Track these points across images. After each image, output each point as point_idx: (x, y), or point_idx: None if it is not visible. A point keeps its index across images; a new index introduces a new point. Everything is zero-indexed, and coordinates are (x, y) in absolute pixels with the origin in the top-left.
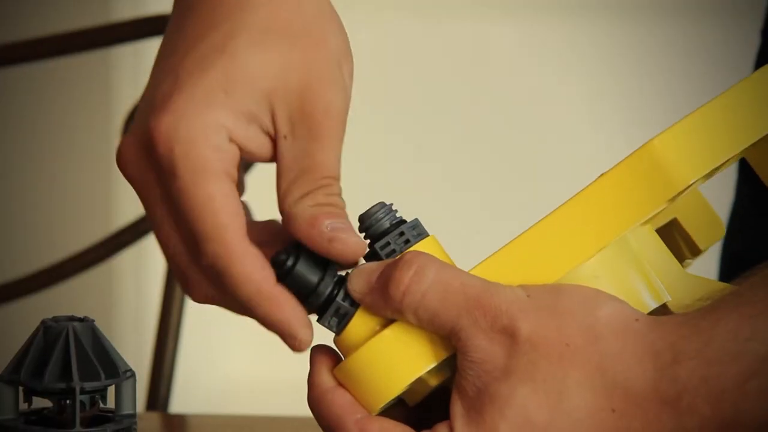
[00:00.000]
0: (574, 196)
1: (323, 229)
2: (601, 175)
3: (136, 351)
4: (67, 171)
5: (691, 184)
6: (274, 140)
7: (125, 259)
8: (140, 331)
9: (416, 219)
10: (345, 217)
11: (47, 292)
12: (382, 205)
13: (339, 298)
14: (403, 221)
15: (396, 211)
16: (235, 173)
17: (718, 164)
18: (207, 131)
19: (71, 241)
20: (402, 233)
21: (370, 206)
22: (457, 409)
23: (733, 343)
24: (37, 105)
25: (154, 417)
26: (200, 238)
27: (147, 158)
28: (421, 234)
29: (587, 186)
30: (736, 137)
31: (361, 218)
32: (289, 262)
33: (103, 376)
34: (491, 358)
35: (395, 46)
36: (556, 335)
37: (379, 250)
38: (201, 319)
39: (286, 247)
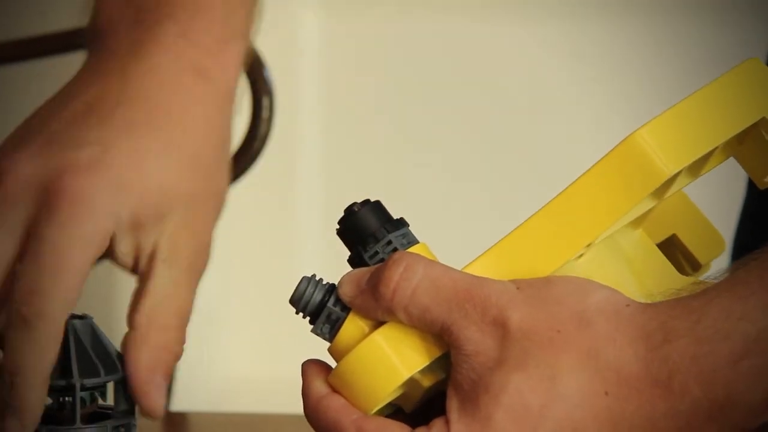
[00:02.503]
0: (561, 192)
1: (155, 379)
2: (587, 170)
3: None
4: None
5: (674, 176)
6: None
7: None
8: None
9: (406, 228)
10: (171, 369)
11: None
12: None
13: (330, 304)
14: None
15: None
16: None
17: (701, 155)
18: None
19: None
20: (389, 242)
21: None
22: (452, 403)
23: (725, 321)
24: (37, 104)
25: None
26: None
27: (40, 192)
28: (411, 242)
29: (572, 182)
30: (720, 128)
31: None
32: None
33: (102, 372)
34: (484, 350)
35: (396, 45)
36: (546, 323)
37: (368, 259)
38: (201, 318)
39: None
